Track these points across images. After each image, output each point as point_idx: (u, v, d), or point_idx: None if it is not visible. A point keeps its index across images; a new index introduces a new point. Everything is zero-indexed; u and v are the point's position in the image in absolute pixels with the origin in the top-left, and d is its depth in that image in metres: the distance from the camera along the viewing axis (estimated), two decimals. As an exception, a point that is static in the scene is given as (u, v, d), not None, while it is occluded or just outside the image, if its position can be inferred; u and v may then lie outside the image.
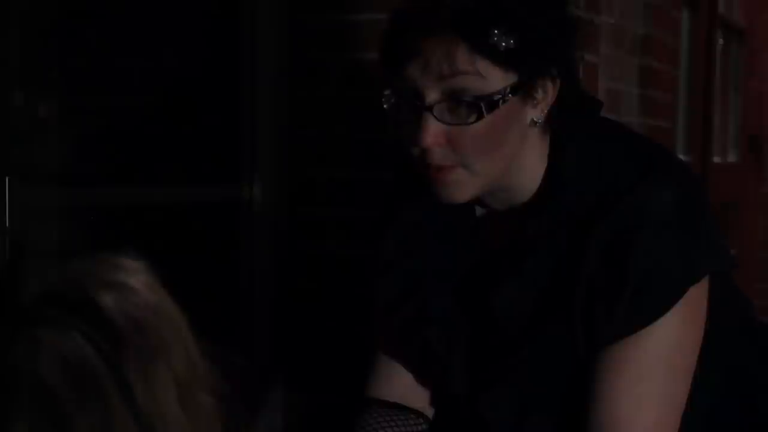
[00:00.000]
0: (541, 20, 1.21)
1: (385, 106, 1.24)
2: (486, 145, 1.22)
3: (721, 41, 4.93)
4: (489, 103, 1.19)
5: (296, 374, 2.25)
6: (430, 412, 1.44)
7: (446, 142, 1.21)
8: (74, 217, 2.13)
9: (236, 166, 2.23)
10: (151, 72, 2.30)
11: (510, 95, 1.20)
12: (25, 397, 0.66)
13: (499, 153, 1.24)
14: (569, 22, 1.27)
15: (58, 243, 2.08)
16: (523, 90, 1.22)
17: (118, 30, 2.22)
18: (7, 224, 1.28)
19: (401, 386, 1.42)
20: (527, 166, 1.29)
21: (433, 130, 1.20)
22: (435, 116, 1.20)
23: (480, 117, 1.20)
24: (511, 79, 1.20)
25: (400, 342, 1.42)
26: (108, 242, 2.18)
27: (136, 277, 0.76)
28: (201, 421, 0.75)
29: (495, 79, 1.19)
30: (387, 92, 1.24)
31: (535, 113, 1.24)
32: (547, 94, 1.24)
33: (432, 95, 1.20)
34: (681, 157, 4.03)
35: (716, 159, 4.85)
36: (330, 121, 2.20)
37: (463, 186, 1.24)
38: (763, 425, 1.38)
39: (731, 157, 5.37)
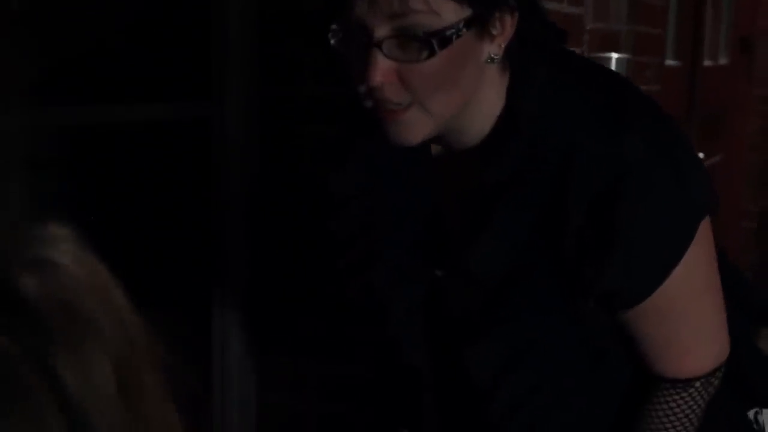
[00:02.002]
0: None
1: (332, 41, 1.16)
2: (439, 83, 1.14)
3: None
4: (441, 39, 1.11)
5: (271, 320, 2.21)
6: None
7: (397, 80, 1.13)
8: (38, 137, 2.06)
9: (207, 83, 2.16)
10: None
11: (464, 30, 1.12)
12: None
13: (454, 91, 1.16)
14: None
15: (20, 165, 2.01)
16: (479, 24, 1.13)
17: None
18: None
19: None
20: (483, 104, 1.21)
21: (382, 68, 1.12)
22: (384, 53, 1.12)
23: (432, 54, 1.12)
24: (465, 12, 1.12)
25: (347, 286, 1.37)
26: (73, 164, 2.13)
27: (62, 249, 0.69)
28: (147, 404, 0.69)
29: (448, 13, 1.11)
30: (334, 26, 1.15)
31: (492, 49, 1.17)
32: (504, 28, 1.16)
33: (381, 31, 1.11)
34: (670, 62, 3.95)
35: (707, 62, 4.76)
36: (303, 36, 2.11)
37: (415, 126, 1.17)
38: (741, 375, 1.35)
39: (722, 60, 5.27)
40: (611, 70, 1.36)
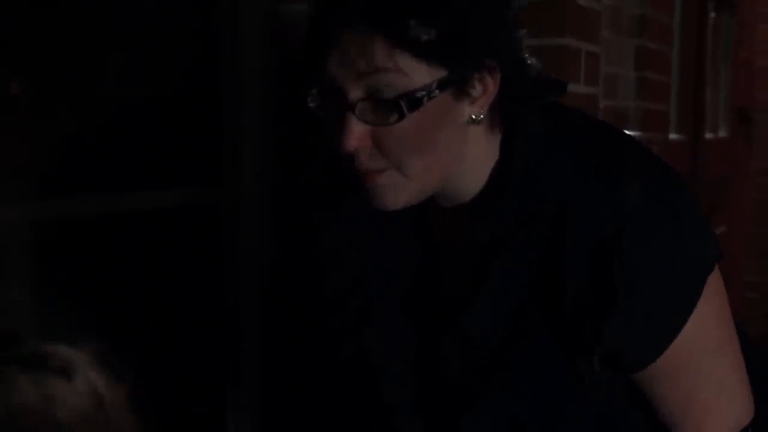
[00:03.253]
0: (466, 7, 1.09)
1: (311, 105, 1.14)
2: (414, 146, 1.11)
3: (713, 14, 4.83)
4: (411, 101, 1.08)
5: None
6: None
7: (371, 144, 1.10)
8: (47, 229, 2.02)
9: (218, 168, 2.11)
10: (128, 66, 2.17)
11: (437, 92, 1.09)
12: None
13: (432, 154, 1.12)
14: (502, 7, 1.14)
15: (29, 262, 1.97)
16: (455, 86, 1.10)
17: (95, 19, 2.08)
18: None
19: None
20: (473, 164, 1.17)
21: (356, 131, 1.10)
22: (356, 116, 1.09)
23: (402, 116, 1.08)
24: (438, 74, 1.09)
25: (337, 349, 1.33)
26: (81, 257, 2.07)
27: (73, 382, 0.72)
28: None
29: (419, 74, 1.08)
30: (313, 91, 1.13)
31: (474, 110, 1.13)
32: (486, 89, 1.13)
33: (354, 93, 1.09)
34: (674, 136, 3.95)
35: (708, 135, 4.77)
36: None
37: (395, 191, 1.13)
38: None
39: (722, 133, 5.29)
40: (610, 124, 1.32)
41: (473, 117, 1.13)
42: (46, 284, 1.96)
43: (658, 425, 1.22)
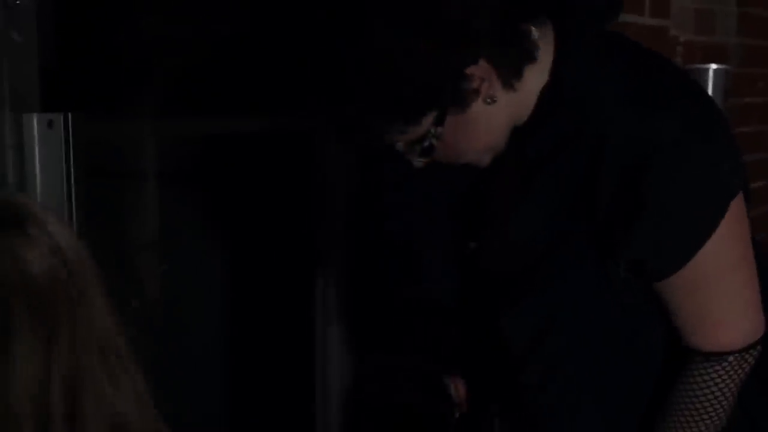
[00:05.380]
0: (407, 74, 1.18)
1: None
2: (461, 148, 1.28)
3: None
4: (423, 149, 1.25)
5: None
6: None
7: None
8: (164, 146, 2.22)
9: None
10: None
11: (438, 129, 1.24)
12: None
13: (479, 141, 1.29)
14: (445, 46, 1.20)
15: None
16: (451, 112, 1.23)
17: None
18: (71, 166, 1.34)
19: None
20: (520, 104, 1.29)
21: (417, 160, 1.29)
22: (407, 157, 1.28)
23: (430, 152, 1.26)
24: (429, 116, 1.23)
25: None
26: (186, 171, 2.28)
27: (60, 235, 0.82)
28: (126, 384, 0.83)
29: (414, 129, 1.23)
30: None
31: (484, 98, 1.25)
32: (481, 81, 1.23)
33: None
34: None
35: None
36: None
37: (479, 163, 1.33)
38: None
39: None
40: (658, 53, 1.39)
41: (488, 100, 1.25)
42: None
43: (674, 333, 1.33)
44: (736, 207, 1.26)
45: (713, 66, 2.60)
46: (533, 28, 1.25)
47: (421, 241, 1.46)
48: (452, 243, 1.42)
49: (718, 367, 1.29)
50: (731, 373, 1.29)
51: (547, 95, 1.27)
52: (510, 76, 1.25)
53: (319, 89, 1.22)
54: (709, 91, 2.42)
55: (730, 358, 1.28)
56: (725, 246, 1.25)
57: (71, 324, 0.78)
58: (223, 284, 2.61)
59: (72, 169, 1.33)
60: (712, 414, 1.30)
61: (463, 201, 1.41)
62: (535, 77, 1.27)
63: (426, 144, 1.23)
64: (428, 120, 1.22)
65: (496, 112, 1.26)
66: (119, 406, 0.80)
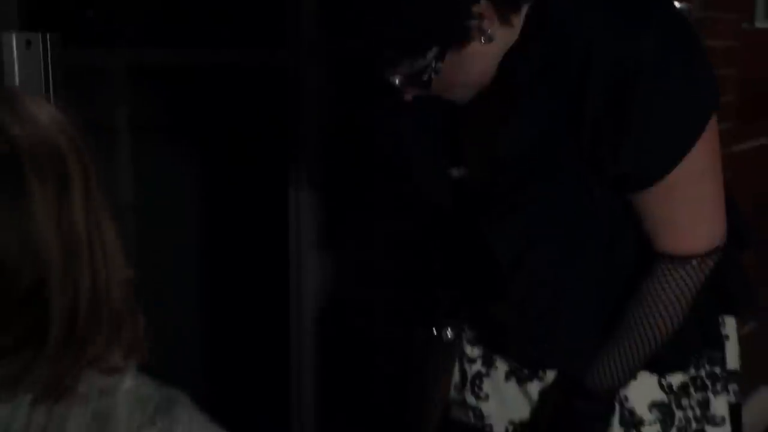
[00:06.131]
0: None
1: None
2: (457, 82, 1.35)
3: None
4: (422, 83, 1.32)
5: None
6: None
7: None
8: (116, 78, 2.25)
9: (282, 31, 2.32)
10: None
11: (437, 64, 1.31)
12: None
13: (473, 76, 1.36)
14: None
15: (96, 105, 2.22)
16: (452, 47, 1.30)
17: None
18: (50, 85, 1.39)
19: None
20: (513, 35, 1.35)
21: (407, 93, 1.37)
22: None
23: (428, 86, 1.33)
24: (433, 51, 1.30)
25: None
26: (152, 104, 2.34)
27: (43, 111, 0.87)
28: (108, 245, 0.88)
29: (418, 63, 1.30)
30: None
31: (485, 33, 1.32)
32: (483, 19, 1.30)
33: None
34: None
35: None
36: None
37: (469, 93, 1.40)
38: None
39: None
40: None
41: (484, 39, 1.32)
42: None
43: (647, 244, 1.40)
44: (711, 126, 1.34)
45: (676, 3, 2.64)
46: None
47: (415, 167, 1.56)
48: (439, 170, 1.51)
49: (681, 270, 1.37)
50: (692, 275, 1.38)
51: (533, 20, 1.35)
52: (508, 12, 1.33)
53: (343, 20, 1.31)
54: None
55: (693, 262, 1.37)
56: (698, 160, 1.33)
57: (83, 177, 0.85)
58: (200, 213, 2.68)
59: (51, 87, 1.38)
60: (671, 312, 1.39)
61: (443, 133, 1.49)
62: (524, 9, 1.35)
63: (425, 77, 1.31)
64: (431, 55, 1.30)
65: (490, 49, 1.34)
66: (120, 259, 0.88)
